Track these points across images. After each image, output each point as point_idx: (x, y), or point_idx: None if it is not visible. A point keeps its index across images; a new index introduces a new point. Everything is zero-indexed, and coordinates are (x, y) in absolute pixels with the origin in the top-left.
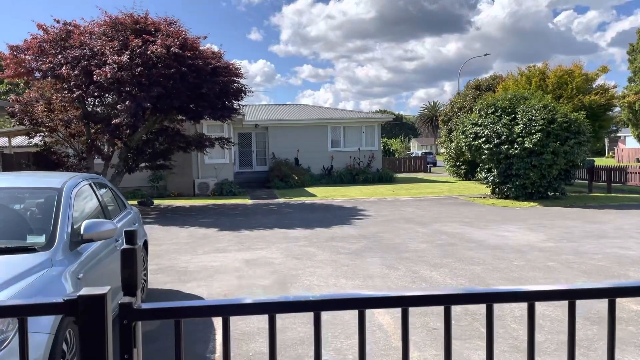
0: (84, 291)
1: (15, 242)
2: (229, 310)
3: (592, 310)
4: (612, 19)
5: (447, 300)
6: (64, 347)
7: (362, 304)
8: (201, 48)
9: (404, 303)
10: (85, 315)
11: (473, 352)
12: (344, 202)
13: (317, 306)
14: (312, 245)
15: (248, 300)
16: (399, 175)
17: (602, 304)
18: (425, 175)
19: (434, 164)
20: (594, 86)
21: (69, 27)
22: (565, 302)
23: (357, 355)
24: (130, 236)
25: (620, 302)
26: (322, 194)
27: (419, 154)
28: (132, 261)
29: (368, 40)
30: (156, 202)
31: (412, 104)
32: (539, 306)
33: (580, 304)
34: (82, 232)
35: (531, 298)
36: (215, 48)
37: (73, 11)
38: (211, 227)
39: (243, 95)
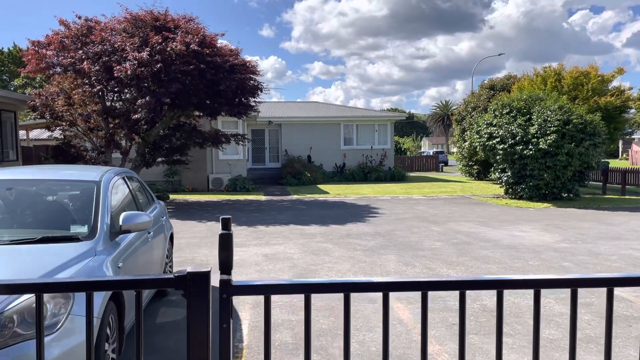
0: (191, 268)
1: (61, 231)
2: (309, 288)
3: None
4: (628, 19)
5: (461, 286)
6: (107, 331)
7: (386, 288)
8: (219, 45)
9: (422, 287)
10: (193, 289)
11: (492, 346)
12: (357, 199)
13: (349, 288)
14: (328, 241)
15: (325, 281)
16: (411, 174)
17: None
18: (437, 174)
19: (446, 163)
20: (609, 87)
21: (90, 23)
22: (584, 301)
23: (379, 347)
24: (226, 222)
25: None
26: (335, 192)
27: (431, 153)
28: (228, 244)
29: (380, 38)
30: (171, 196)
31: (424, 103)
32: (557, 305)
33: (595, 302)
34: (120, 223)
35: (537, 285)
36: (232, 45)
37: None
38: None
39: (259, 92)
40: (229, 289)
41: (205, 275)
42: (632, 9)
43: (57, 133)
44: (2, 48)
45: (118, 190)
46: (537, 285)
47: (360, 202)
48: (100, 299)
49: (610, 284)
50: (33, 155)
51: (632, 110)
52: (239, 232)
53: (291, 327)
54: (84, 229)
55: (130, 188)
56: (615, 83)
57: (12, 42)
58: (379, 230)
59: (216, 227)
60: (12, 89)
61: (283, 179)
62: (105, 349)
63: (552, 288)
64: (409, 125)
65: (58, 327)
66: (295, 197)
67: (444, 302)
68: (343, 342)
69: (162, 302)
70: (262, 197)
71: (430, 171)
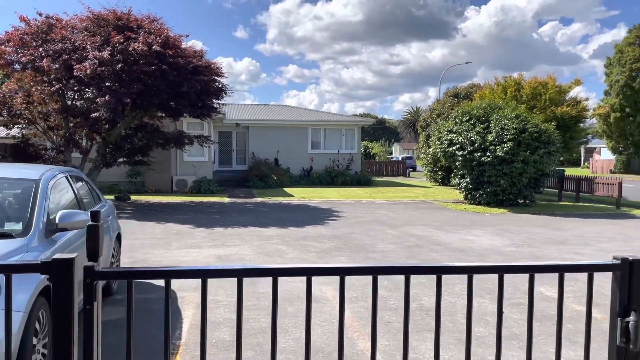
0: (57, 256)
1: None
2: (169, 274)
3: (542, 311)
4: (595, 31)
5: (406, 271)
6: (37, 326)
7: (343, 272)
8: (183, 46)
9: (374, 272)
10: (58, 274)
11: (421, 342)
12: (320, 203)
13: (276, 272)
14: (284, 243)
15: (186, 268)
16: (378, 179)
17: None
18: (404, 179)
19: (414, 169)
20: (566, 98)
21: (51, 21)
22: (516, 301)
23: (316, 343)
24: (95, 215)
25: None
26: (300, 195)
27: (399, 158)
28: (96, 235)
29: (355, 43)
30: (133, 197)
31: (397, 108)
32: (490, 304)
33: (525, 302)
34: (57, 221)
35: (470, 271)
36: (198, 46)
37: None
38: (186, 223)
39: (223, 94)
40: (93, 274)
41: (70, 262)
42: (600, 22)
43: (15, 131)
44: None
45: (60, 189)
46: (469, 272)
47: (323, 206)
48: (29, 294)
49: (531, 270)
50: None
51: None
52: (196, 234)
53: (232, 325)
54: (17, 226)
55: (74, 187)
56: (572, 94)
57: None
58: (336, 233)
59: (175, 229)
60: None
61: (250, 181)
62: (33, 343)
63: (481, 274)
64: (381, 130)
65: None
66: (259, 199)
67: (384, 301)
68: (271, 323)
69: (107, 302)
70: (226, 199)
71: (398, 176)
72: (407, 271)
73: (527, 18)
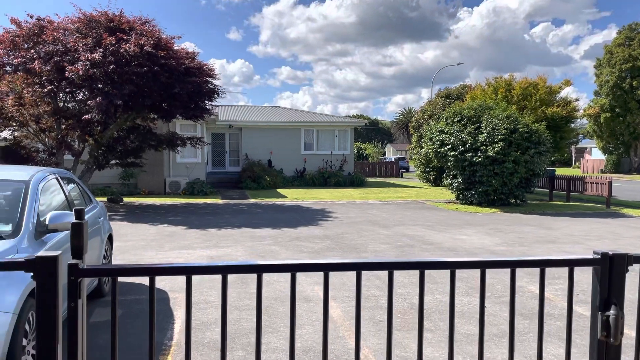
0: (41, 253)
1: None
2: (154, 271)
3: (526, 306)
4: (586, 32)
5: (390, 267)
6: (27, 327)
7: (327, 268)
8: (175, 48)
9: (358, 267)
10: (42, 272)
11: (412, 341)
12: (313, 204)
13: (260, 269)
14: (276, 244)
15: (170, 265)
16: (371, 180)
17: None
18: (397, 180)
19: (407, 169)
20: (557, 98)
21: (42, 23)
22: (506, 299)
23: (304, 343)
24: (79, 213)
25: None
26: (293, 196)
27: (392, 159)
28: (80, 233)
29: (348, 45)
30: (126, 199)
31: (390, 109)
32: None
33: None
34: (47, 222)
35: (452, 266)
36: (190, 48)
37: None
38: (179, 225)
39: (216, 96)
40: (76, 272)
41: (54, 259)
42: (591, 23)
43: (6, 133)
44: None
45: (50, 191)
46: (452, 267)
47: (316, 206)
48: (18, 295)
49: (512, 265)
50: None
51: (583, 121)
52: (189, 235)
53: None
54: (7, 227)
55: (65, 189)
56: (563, 94)
57: None
58: (328, 234)
59: (167, 230)
60: None
61: (243, 183)
62: (23, 344)
63: (464, 269)
64: (374, 132)
65: None
66: (252, 200)
67: (376, 301)
68: (255, 319)
69: (97, 303)
70: (219, 201)
71: (391, 177)
72: (391, 267)
73: (518, 19)
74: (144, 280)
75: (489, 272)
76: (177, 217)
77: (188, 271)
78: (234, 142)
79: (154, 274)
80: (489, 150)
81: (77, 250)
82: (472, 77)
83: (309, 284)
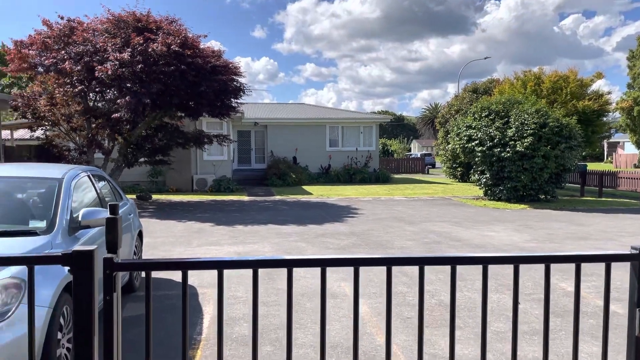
0: (77, 248)
1: (19, 226)
2: (186, 265)
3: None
4: (618, 24)
5: (421, 262)
6: (62, 321)
7: (357, 263)
8: (201, 46)
9: (389, 262)
10: (78, 265)
11: (441, 338)
12: (338, 200)
13: (291, 264)
14: (302, 240)
15: (202, 259)
16: (397, 176)
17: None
18: (423, 176)
19: (433, 165)
20: (588, 92)
21: (72, 24)
22: (538, 297)
23: (332, 339)
24: (113, 208)
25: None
26: (319, 193)
27: (418, 155)
28: (114, 227)
29: (372, 40)
30: (155, 197)
31: (415, 105)
32: (510, 301)
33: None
34: (80, 219)
35: (484, 262)
36: (216, 46)
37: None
38: (207, 221)
39: (242, 93)
40: (112, 266)
41: (90, 254)
42: (624, 14)
43: (39, 133)
44: None
45: (82, 188)
46: (484, 262)
47: (341, 203)
48: (53, 289)
49: (547, 260)
50: (16, 155)
51: (615, 114)
52: (216, 231)
53: (250, 320)
54: (42, 224)
55: (96, 186)
56: (594, 87)
57: None
58: (354, 230)
59: (195, 227)
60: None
61: (268, 180)
62: (58, 337)
63: (497, 264)
64: (400, 128)
65: (9, 315)
66: (278, 197)
67: (403, 297)
68: (286, 314)
69: (129, 298)
70: (245, 198)
71: (417, 173)
72: (421, 262)
73: (548, 11)
74: (173, 276)
75: (520, 268)
76: (205, 214)
77: (219, 265)
78: (259, 139)
79: (186, 268)
80: (518, 145)
81: (112, 244)
82: (499, 71)
83: (335, 280)
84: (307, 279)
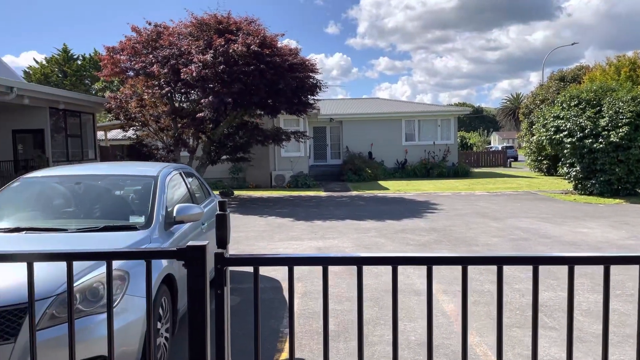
0: (190, 243)
1: (121, 221)
2: (293, 261)
3: None
4: None
5: (498, 261)
6: (160, 311)
7: (431, 262)
8: (279, 45)
9: (463, 262)
10: (192, 260)
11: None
12: (416, 195)
13: (360, 261)
14: (382, 236)
15: (307, 255)
16: (476, 170)
17: None
18: (505, 170)
19: (515, 159)
20: None
21: (159, 29)
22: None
23: (419, 337)
24: (222, 205)
25: None
26: (395, 188)
27: (499, 148)
28: (224, 224)
29: (448, 31)
30: (236, 192)
31: (495, 96)
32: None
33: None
34: (174, 214)
35: (570, 262)
36: (293, 44)
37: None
38: (286, 217)
39: (318, 90)
40: (222, 261)
41: (202, 249)
42: None
43: (130, 133)
44: (84, 54)
45: (174, 185)
46: (570, 262)
47: (419, 198)
48: (153, 281)
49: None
50: (110, 154)
51: None
52: (296, 227)
53: (335, 315)
54: (141, 219)
55: (187, 183)
56: None
57: (92, 48)
58: (434, 226)
59: (276, 222)
60: (93, 92)
61: (344, 175)
62: (157, 327)
63: (584, 264)
64: (478, 120)
65: (114, 305)
66: (354, 193)
67: (491, 296)
68: (357, 311)
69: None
70: (322, 193)
71: (498, 167)
72: (499, 261)
73: None
74: (250, 269)
75: (618, 268)
76: (284, 209)
77: (325, 262)
78: (334, 135)
79: (293, 264)
80: (612, 136)
81: (222, 240)
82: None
83: (418, 277)
84: (389, 275)
